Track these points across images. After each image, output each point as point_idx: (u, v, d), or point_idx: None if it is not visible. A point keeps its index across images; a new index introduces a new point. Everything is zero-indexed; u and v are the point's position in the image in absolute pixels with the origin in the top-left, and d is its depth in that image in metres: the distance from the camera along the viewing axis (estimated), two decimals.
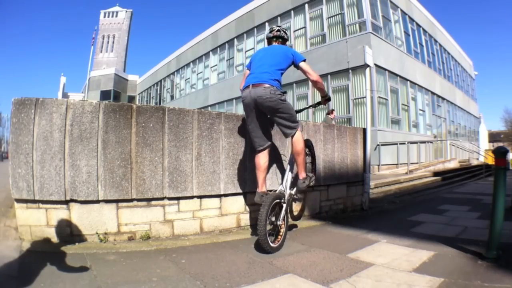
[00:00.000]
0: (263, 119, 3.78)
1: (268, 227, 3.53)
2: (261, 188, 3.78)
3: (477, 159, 21.20)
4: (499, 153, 3.21)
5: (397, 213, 5.97)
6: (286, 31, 4.23)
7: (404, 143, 12.79)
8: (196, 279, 2.60)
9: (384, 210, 6.27)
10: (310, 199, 5.24)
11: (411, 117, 15.91)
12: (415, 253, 3.35)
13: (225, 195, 4.27)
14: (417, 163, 14.25)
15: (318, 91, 4.15)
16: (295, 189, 3.94)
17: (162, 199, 3.82)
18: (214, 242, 3.76)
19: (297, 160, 3.79)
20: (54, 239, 3.35)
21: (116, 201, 3.59)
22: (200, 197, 4.08)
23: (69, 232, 3.41)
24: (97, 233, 3.50)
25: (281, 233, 3.68)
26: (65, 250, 3.15)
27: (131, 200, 3.66)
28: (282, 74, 3.78)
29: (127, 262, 2.94)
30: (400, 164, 13.35)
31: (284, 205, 3.72)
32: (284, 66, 3.77)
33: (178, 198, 3.92)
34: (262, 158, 3.82)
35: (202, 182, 4.05)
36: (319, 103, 4.29)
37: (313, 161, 4.57)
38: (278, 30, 4.11)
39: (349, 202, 6.02)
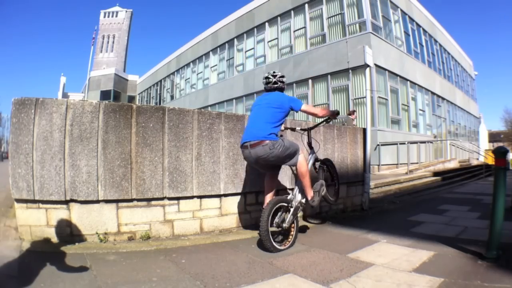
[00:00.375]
0: (267, 165, 3.83)
1: (274, 229, 3.56)
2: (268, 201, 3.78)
3: (477, 159, 21.19)
4: (499, 153, 3.21)
5: (397, 213, 5.97)
6: (283, 79, 4.03)
7: (404, 143, 12.77)
8: (196, 279, 2.61)
9: (384, 210, 6.27)
10: None
11: (411, 117, 15.90)
12: (415, 253, 3.35)
13: (225, 195, 4.28)
14: (417, 163, 14.24)
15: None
16: (305, 199, 3.93)
17: (162, 199, 3.82)
18: (214, 242, 3.76)
19: (303, 182, 3.83)
20: (54, 239, 3.35)
21: (116, 201, 3.59)
22: (200, 197, 4.08)
23: (69, 232, 3.41)
24: (97, 233, 3.50)
25: (289, 239, 3.69)
26: (65, 250, 3.16)
27: (131, 200, 3.66)
28: (280, 125, 3.78)
29: (127, 262, 2.94)
30: (400, 164, 13.33)
31: (292, 210, 3.72)
32: (280, 117, 3.77)
33: (178, 198, 3.92)
34: (269, 179, 3.94)
35: (202, 182, 4.05)
36: (329, 119, 4.18)
37: (335, 181, 4.64)
38: (275, 82, 3.95)
39: (349, 202, 6.02)
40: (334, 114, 4.03)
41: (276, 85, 3.95)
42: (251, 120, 3.84)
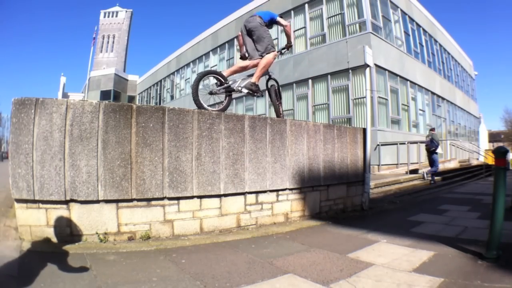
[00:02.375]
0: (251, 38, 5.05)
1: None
2: (226, 73, 4.95)
3: (477, 159, 21.18)
4: (499, 153, 3.21)
5: (397, 213, 5.97)
6: None
7: (404, 143, 12.78)
8: (196, 279, 2.61)
9: (384, 210, 6.26)
10: (310, 199, 5.25)
11: (411, 117, 15.90)
12: (415, 253, 3.35)
13: (225, 195, 4.27)
14: (417, 163, 14.23)
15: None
16: (244, 83, 4.95)
17: (162, 199, 3.82)
18: (214, 242, 3.75)
19: (258, 68, 4.91)
20: (54, 239, 3.35)
21: (116, 201, 3.59)
22: (200, 197, 4.08)
23: (69, 232, 3.41)
24: (97, 233, 3.50)
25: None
26: (65, 250, 3.15)
27: (131, 200, 3.66)
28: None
29: (127, 262, 2.94)
30: (400, 164, 13.33)
31: (225, 85, 4.84)
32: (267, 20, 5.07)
33: (178, 198, 3.92)
34: (243, 62, 5.10)
35: (202, 182, 4.05)
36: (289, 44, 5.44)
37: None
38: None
39: (349, 202, 6.02)
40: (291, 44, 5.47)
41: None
42: None
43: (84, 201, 3.44)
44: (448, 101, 21.01)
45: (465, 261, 3.11)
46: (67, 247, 3.22)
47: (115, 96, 37.31)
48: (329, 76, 14.65)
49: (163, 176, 3.80)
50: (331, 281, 2.62)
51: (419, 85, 16.79)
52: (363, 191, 6.23)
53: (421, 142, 15.06)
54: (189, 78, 26.64)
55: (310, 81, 15.33)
